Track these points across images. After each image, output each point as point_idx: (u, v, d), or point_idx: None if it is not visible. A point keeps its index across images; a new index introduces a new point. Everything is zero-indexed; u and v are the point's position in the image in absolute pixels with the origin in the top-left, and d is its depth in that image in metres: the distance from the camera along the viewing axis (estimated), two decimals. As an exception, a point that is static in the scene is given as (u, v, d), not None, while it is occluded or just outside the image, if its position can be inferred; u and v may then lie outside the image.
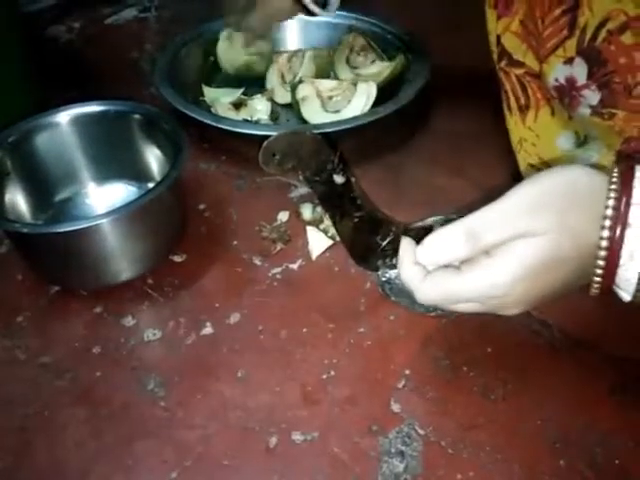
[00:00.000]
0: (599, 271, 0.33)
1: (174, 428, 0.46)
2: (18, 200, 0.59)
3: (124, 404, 0.47)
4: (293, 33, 0.88)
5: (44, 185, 0.61)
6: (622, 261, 0.32)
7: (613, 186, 0.32)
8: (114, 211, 0.50)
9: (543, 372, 0.49)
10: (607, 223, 0.31)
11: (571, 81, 0.40)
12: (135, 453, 0.44)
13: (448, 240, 0.35)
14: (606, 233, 0.32)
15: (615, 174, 0.32)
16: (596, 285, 0.35)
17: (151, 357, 0.51)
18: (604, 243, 0.32)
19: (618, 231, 0.31)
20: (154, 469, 0.44)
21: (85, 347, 0.52)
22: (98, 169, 0.63)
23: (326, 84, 0.75)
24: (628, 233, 0.31)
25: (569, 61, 0.39)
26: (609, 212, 0.31)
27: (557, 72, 0.40)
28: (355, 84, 0.74)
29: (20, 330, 0.53)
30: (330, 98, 0.75)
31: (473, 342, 0.51)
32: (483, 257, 0.35)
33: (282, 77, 0.79)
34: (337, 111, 0.73)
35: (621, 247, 0.32)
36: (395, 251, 0.52)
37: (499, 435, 0.45)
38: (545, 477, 0.42)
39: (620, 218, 0.31)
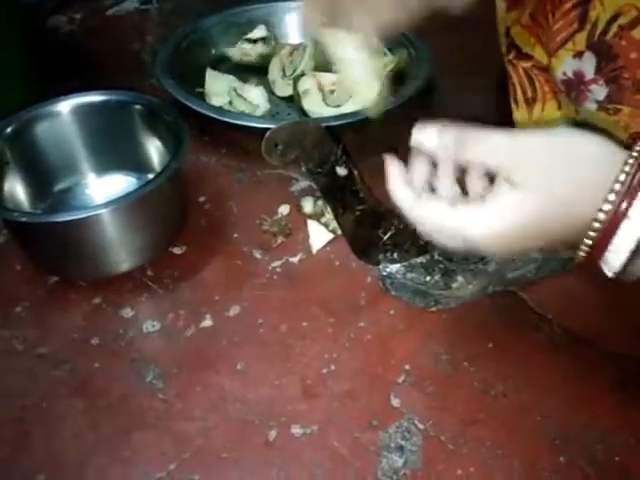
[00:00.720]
0: (588, 241, 0.32)
1: (173, 420, 0.46)
2: (17, 190, 0.58)
3: (122, 396, 0.47)
4: (296, 27, 0.87)
5: (43, 175, 0.61)
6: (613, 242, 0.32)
7: (631, 160, 0.30)
8: (113, 201, 0.50)
9: (543, 368, 0.48)
10: (612, 197, 0.30)
11: (579, 75, 0.40)
12: (133, 445, 0.44)
13: (440, 134, 0.35)
14: (608, 207, 0.31)
15: (637, 150, 0.31)
16: (582, 254, 0.34)
17: (150, 349, 0.50)
18: (602, 216, 0.31)
19: (623, 206, 0.30)
20: (152, 461, 0.43)
21: (83, 338, 0.51)
22: (98, 159, 0.63)
23: (328, 78, 0.74)
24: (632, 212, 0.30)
25: (578, 55, 0.39)
26: (617, 186, 0.30)
27: (566, 66, 0.40)
28: None
29: (18, 320, 0.53)
30: (332, 92, 0.74)
31: (473, 337, 0.51)
32: (478, 201, 0.34)
33: (283, 70, 0.79)
34: (338, 105, 0.72)
35: (619, 224, 0.31)
36: (396, 245, 0.52)
37: (499, 431, 0.44)
38: (545, 473, 0.42)
39: (628, 195, 0.30)
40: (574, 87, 0.41)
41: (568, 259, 0.54)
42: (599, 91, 0.39)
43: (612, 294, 0.51)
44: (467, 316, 0.52)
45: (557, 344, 0.50)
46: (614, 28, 0.37)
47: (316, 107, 0.72)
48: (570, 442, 0.44)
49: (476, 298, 0.53)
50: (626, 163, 0.31)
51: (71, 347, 0.51)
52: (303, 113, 0.73)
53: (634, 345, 0.49)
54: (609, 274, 0.33)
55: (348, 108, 0.71)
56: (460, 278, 0.52)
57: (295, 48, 0.80)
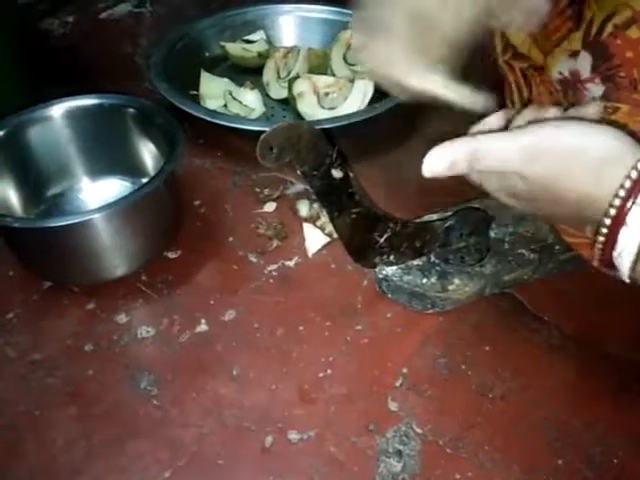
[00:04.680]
0: (601, 237, 0.32)
1: (168, 427, 0.45)
2: (9, 194, 0.58)
3: (117, 402, 0.47)
4: (290, 30, 0.87)
5: (36, 180, 0.60)
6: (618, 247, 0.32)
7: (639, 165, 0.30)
8: (107, 206, 0.50)
9: (541, 371, 0.48)
10: (622, 193, 0.30)
11: (575, 74, 0.40)
12: (127, 452, 0.44)
13: (450, 156, 0.35)
14: (618, 201, 0.30)
15: None
16: (598, 251, 0.34)
17: (144, 355, 0.50)
18: (612, 211, 0.31)
19: (629, 204, 0.30)
20: (147, 469, 0.43)
21: (77, 344, 0.51)
22: (91, 164, 0.62)
23: (323, 80, 0.74)
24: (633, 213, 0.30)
25: (574, 54, 0.39)
26: (628, 183, 0.30)
27: (562, 65, 0.40)
28: (352, 81, 0.74)
29: (11, 327, 0.52)
30: (326, 94, 0.74)
31: (471, 340, 0.50)
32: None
33: (277, 73, 0.79)
34: (333, 108, 0.72)
35: (625, 218, 0.31)
36: (393, 248, 0.52)
37: (497, 434, 0.44)
38: (543, 476, 0.42)
39: (630, 197, 0.30)
40: (571, 86, 0.41)
41: (564, 261, 0.54)
42: (596, 90, 0.39)
43: (609, 297, 0.51)
44: (464, 319, 0.52)
45: (555, 347, 0.50)
46: (609, 28, 0.37)
47: (311, 109, 0.72)
48: (568, 445, 0.43)
49: (473, 300, 0.53)
50: (634, 167, 0.30)
51: (65, 353, 0.50)
52: (298, 116, 0.73)
53: (632, 348, 0.49)
54: (624, 278, 0.33)
55: (343, 110, 0.71)
56: (457, 280, 0.52)
57: (289, 51, 0.80)
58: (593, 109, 0.37)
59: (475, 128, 0.39)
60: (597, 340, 0.50)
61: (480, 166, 0.35)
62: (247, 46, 0.82)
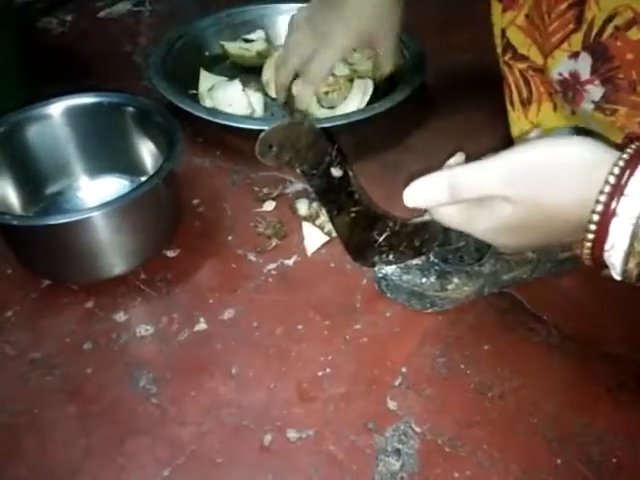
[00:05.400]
0: (588, 244, 0.33)
1: (166, 425, 0.45)
2: (8, 193, 0.58)
3: (115, 401, 0.47)
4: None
5: (35, 178, 0.60)
6: (607, 246, 0.32)
7: (621, 162, 0.31)
8: (106, 204, 0.50)
9: (540, 370, 0.48)
10: (603, 198, 0.31)
11: (575, 76, 0.40)
12: (126, 451, 0.44)
13: (431, 187, 0.36)
14: (599, 207, 0.31)
15: (628, 152, 0.31)
16: (587, 257, 0.34)
17: (143, 353, 0.50)
18: (595, 217, 0.32)
19: (612, 205, 0.31)
20: (146, 467, 0.43)
21: (76, 343, 0.51)
22: (90, 162, 0.62)
23: None
24: (622, 204, 0.31)
25: (574, 55, 0.39)
26: (607, 188, 0.31)
27: (561, 66, 0.40)
28: (351, 80, 0.73)
29: (9, 325, 0.52)
30: (326, 94, 0.74)
31: (470, 340, 0.50)
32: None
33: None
34: (333, 107, 0.72)
35: (610, 222, 0.31)
36: (392, 247, 0.52)
37: (496, 433, 0.44)
38: (542, 475, 0.42)
39: (617, 191, 0.30)
40: (570, 87, 0.41)
41: (563, 260, 0.54)
42: (595, 91, 0.39)
43: (608, 296, 0.51)
44: (463, 318, 0.52)
45: (553, 346, 0.50)
46: (610, 29, 0.37)
47: (310, 109, 0.72)
48: (567, 444, 0.44)
49: (472, 300, 0.53)
50: (615, 164, 0.31)
51: (63, 352, 0.50)
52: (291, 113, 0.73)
53: (630, 347, 0.49)
54: (616, 276, 0.33)
55: (343, 109, 0.71)
56: (456, 280, 0.52)
57: None
58: (534, 134, 0.39)
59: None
60: (596, 339, 0.50)
61: (462, 195, 0.35)
62: (246, 45, 0.82)
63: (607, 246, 0.32)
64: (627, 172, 0.31)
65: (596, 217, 0.32)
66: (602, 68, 0.38)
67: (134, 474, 0.42)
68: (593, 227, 0.32)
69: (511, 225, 0.35)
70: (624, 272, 0.33)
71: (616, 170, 0.31)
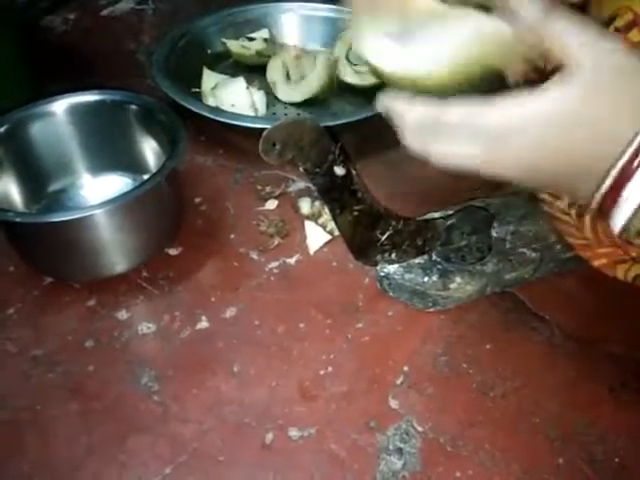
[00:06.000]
0: (608, 182, 0.29)
1: (168, 423, 0.45)
2: (11, 190, 0.58)
3: (117, 398, 0.47)
4: (293, 28, 0.87)
5: (38, 175, 0.60)
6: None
7: None
8: (109, 202, 0.50)
9: (542, 369, 0.48)
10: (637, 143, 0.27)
11: None
12: (128, 448, 0.44)
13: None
14: (632, 149, 0.27)
15: None
16: (596, 199, 0.30)
17: (145, 351, 0.50)
18: (630, 150, 0.28)
19: None
20: (148, 464, 0.43)
21: (78, 340, 0.51)
22: (93, 160, 0.62)
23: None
24: None
25: None
26: None
27: None
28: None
29: (11, 322, 0.52)
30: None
31: (472, 339, 0.50)
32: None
33: (287, 74, 0.78)
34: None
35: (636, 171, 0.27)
36: (394, 246, 0.52)
37: (498, 432, 0.44)
38: (544, 475, 0.42)
39: None
40: None
41: (566, 260, 0.54)
42: None
43: (611, 295, 0.51)
44: (465, 317, 0.52)
45: (556, 345, 0.50)
46: (610, 30, 0.37)
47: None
48: (569, 443, 0.43)
49: (474, 299, 0.53)
50: None
51: (65, 349, 0.50)
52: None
53: (633, 346, 0.49)
54: (614, 228, 0.31)
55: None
56: (458, 279, 0.52)
57: (303, 54, 0.79)
58: None
59: None
60: (599, 339, 0.50)
61: (550, 26, 0.29)
62: (246, 44, 0.82)
63: (624, 193, 0.29)
64: None
65: (626, 157, 0.28)
66: None
67: (136, 471, 0.42)
68: (620, 165, 0.28)
69: (555, 115, 0.29)
70: (627, 225, 0.30)
71: None
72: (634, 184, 0.29)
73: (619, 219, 0.31)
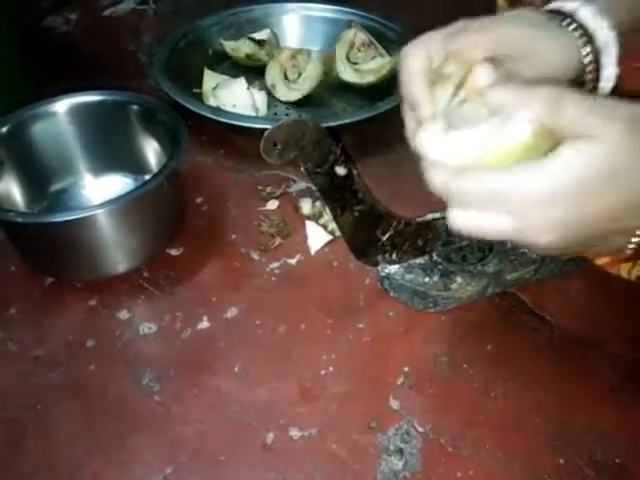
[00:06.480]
0: None
1: (169, 423, 0.45)
2: (12, 190, 0.58)
3: (118, 398, 0.47)
4: (293, 29, 0.87)
5: (39, 175, 0.60)
6: None
7: None
8: (110, 202, 0.50)
9: (543, 370, 0.48)
10: None
11: None
12: (129, 448, 0.44)
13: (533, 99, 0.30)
14: None
15: None
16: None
17: (146, 351, 0.50)
18: None
19: None
20: (149, 464, 0.43)
21: (79, 340, 0.51)
22: (95, 160, 0.62)
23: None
24: None
25: None
26: None
27: None
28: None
29: (13, 322, 0.52)
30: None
31: (473, 339, 0.50)
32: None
33: (285, 75, 0.78)
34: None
35: None
36: (395, 246, 0.52)
37: (499, 433, 0.44)
38: (545, 475, 0.42)
39: None
40: None
41: (567, 261, 0.54)
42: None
43: (612, 296, 0.51)
44: (466, 317, 0.52)
45: (556, 346, 0.50)
46: None
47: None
48: (570, 444, 0.43)
49: (475, 299, 0.53)
50: None
51: (66, 349, 0.50)
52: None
53: (634, 347, 0.49)
54: None
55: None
56: (459, 279, 0.52)
57: (297, 52, 0.79)
58: None
59: None
60: (599, 339, 0.50)
61: (564, 117, 0.29)
62: (236, 46, 0.82)
63: None
64: None
65: None
66: None
67: (137, 471, 0.42)
68: None
69: (591, 169, 0.28)
70: None
71: None
72: None
73: None
